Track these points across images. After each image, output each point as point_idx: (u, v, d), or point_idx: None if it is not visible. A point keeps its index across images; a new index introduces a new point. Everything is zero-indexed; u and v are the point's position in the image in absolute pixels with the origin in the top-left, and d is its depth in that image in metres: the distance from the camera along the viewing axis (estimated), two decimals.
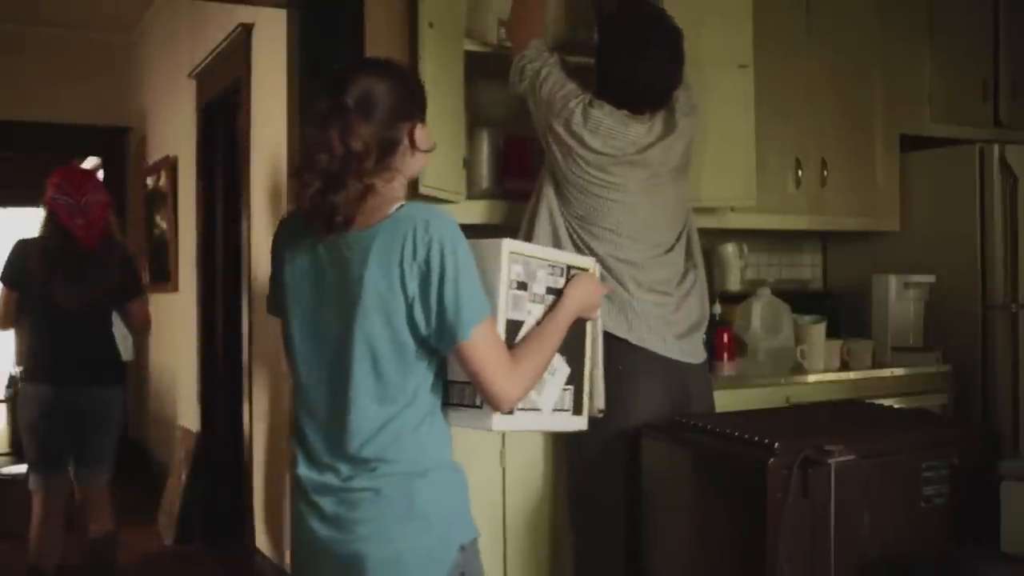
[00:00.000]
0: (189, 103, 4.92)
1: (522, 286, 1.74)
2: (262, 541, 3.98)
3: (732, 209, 3.29)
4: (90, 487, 3.61)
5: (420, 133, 1.69)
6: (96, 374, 3.55)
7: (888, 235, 3.83)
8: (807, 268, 4.17)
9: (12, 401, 5.98)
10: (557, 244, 2.53)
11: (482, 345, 1.57)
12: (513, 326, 1.71)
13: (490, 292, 1.66)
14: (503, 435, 2.68)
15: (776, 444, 2.08)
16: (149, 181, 6.03)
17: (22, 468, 3.72)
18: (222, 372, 4.56)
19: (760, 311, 3.46)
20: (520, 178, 2.96)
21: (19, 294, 3.47)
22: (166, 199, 5.57)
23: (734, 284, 3.69)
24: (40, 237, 3.50)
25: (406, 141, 1.67)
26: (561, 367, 1.85)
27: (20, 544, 3.65)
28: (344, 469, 1.61)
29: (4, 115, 5.90)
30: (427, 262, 1.54)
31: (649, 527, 2.47)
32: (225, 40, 4.26)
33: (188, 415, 5.02)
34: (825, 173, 3.61)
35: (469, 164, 2.93)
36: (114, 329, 3.66)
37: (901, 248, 3.80)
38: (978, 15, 4.02)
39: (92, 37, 6.31)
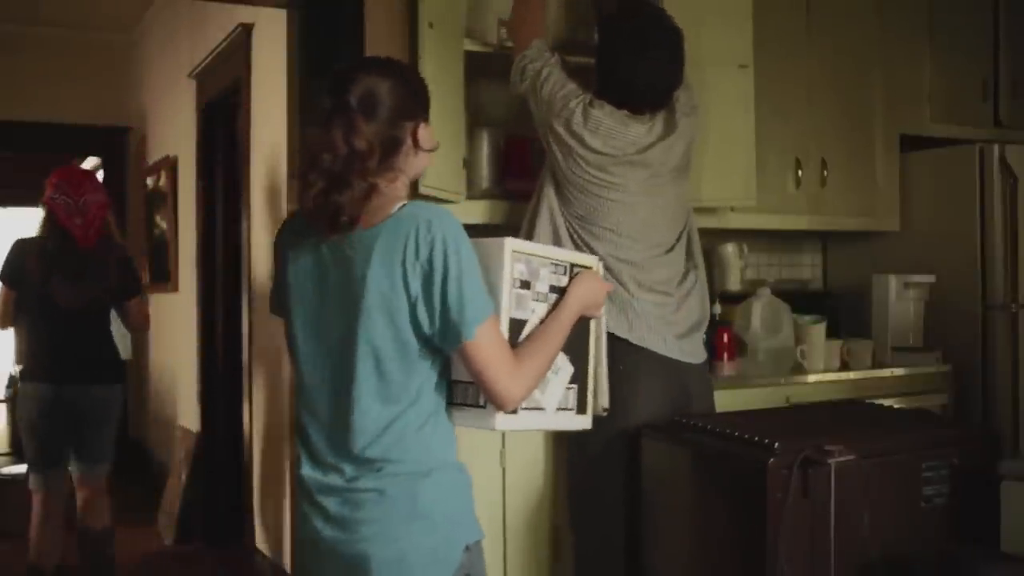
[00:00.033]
0: (189, 103, 4.92)
1: (525, 285, 1.73)
2: (262, 541, 3.98)
3: (732, 209, 3.29)
4: (90, 482, 3.62)
5: (423, 132, 1.69)
6: (95, 373, 3.56)
7: (888, 235, 3.83)
8: (807, 268, 4.17)
9: (12, 401, 5.98)
10: (558, 244, 2.53)
11: (486, 344, 1.57)
12: (516, 325, 1.71)
13: (493, 291, 1.65)
14: (503, 435, 2.67)
15: (776, 444, 2.08)
16: (149, 181, 6.03)
17: (22, 468, 3.72)
18: (222, 372, 4.56)
19: (760, 311, 3.46)
20: (521, 178, 2.96)
21: (18, 293, 3.48)
22: (166, 199, 5.57)
23: (734, 284, 3.69)
24: (39, 237, 3.51)
25: (409, 141, 1.67)
26: (565, 366, 1.84)
27: (20, 544, 3.66)
28: (348, 470, 1.61)
29: (4, 115, 5.90)
30: (430, 261, 1.54)
31: (649, 527, 2.47)
32: (225, 40, 4.26)
33: (188, 415, 5.02)
34: (825, 173, 3.61)
35: (469, 164, 2.92)
36: (113, 328, 3.67)
37: (901, 248, 3.80)
38: (978, 15, 4.02)
39: (92, 37, 6.30)
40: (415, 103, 1.69)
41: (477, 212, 2.93)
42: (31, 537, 3.51)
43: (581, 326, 1.86)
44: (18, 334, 3.61)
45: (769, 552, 2.05)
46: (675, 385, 2.58)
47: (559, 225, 2.57)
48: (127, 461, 5.07)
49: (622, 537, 2.54)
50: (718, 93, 3.00)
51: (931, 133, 3.90)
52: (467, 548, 1.63)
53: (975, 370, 3.53)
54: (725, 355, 3.25)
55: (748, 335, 3.44)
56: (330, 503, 1.62)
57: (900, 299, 3.64)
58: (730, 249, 3.68)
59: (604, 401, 2.07)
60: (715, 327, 3.19)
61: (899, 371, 3.43)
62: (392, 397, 1.59)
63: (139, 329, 3.88)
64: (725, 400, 2.81)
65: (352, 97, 1.60)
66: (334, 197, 1.56)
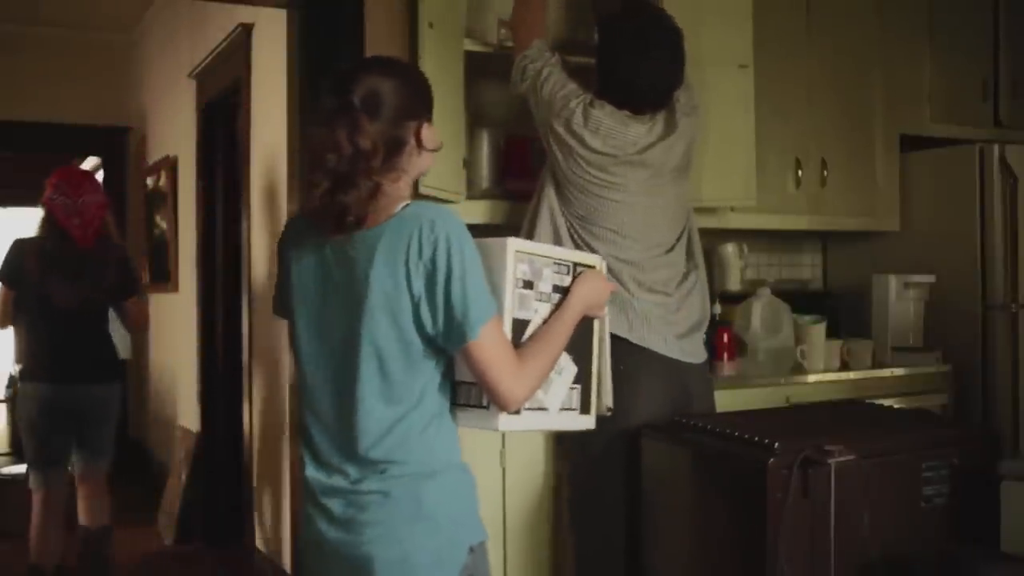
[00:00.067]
0: (189, 103, 4.92)
1: (528, 285, 1.73)
2: (262, 541, 3.98)
3: (732, 209, 3.29)
4: (90, 477, 3.62)
5: (427, 132, 1.68)
6: (94, 372, 3.56)
7: (888, 235, 3.83)
8: (807, 268, 4.17)
9: (12, 401, 5.99)
10: (558, 244, 2.52)
11: (489, 344, 1.56)
12: (519, 325, 1.70)
13: (496, 291, 1.65)
14: (503, 435, 2.67)
15: (776, 444, 2.08)
16: (149, 181, 6.03)
17: (22, 468, 3.73)
18: (222, 372, 4.56)
19: (760, 311, 3.46)
20: (521, 178, 2.96)
21: (17, 293, 3.48)
22: (166, 199, 5.57)
23: (734, 284, 3.69)
24: (37, 237, 3.52)
25: (413, 140, 1.66)
26: (568, 366, 1.83)
27: (20, 544, 3.66)
28: (352, 471, 1.61)
29: (4, 115, 5.90)
30: (433, 261, 1.54)
31: (649, 527, 2.47)
32: (225, 40, 4.26)
33: (188, 415, 5.02)
34: (825, 173, 3.62)
35: (469, 164, 2.92)
36: (111, 327, 3.67)
37: (901, 248, 3.80)
38: (978, 15, 4.02)
39: (92, 37, 6.30)
40: (418, 103, 1.68)
41: (477, 212, 2.93)
42: (31, 537, 3.51)
43: (585, 326, 1.85)
44: (17, 334, 3.62)
45: (769, 552, 2.05)
46: (675, 385, 2.58)
47: (560, 225, 2.57)
48: (127, 461, 5.07)
49: (622, 537, 2.54)
50: (718, 93, 3.00)
51: (931, 133, 3.90)
52: (471, 549, 1.63)
53: (975, 370, 3.53)
54: (725, 355, 3.25)
55: (748, 335, 3.44)
56: (334, 505, 1.62)
57: (900, 299, 3.64)
58: (730, 249, 3.68)
59: (608, 400, 2.06)
60: (715, 327, 3.19)
61: (899, 371, 3.43)
62: (395, 398, 1.59)
63: (138, 329, 3.88)
64: (725, 400, 2.82)
65: (356, 97, 1.59)
66: (340, 197, 1.55)
